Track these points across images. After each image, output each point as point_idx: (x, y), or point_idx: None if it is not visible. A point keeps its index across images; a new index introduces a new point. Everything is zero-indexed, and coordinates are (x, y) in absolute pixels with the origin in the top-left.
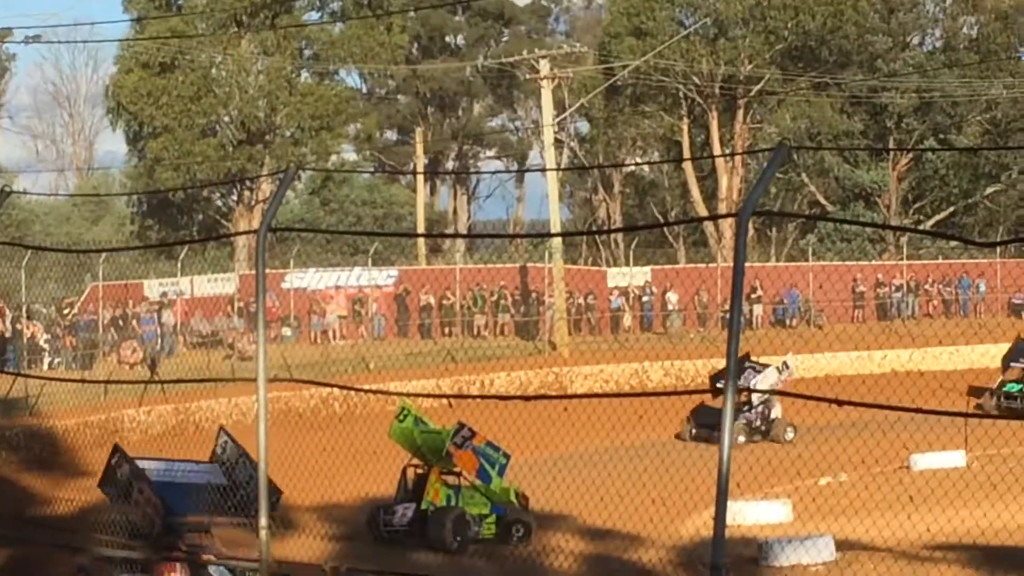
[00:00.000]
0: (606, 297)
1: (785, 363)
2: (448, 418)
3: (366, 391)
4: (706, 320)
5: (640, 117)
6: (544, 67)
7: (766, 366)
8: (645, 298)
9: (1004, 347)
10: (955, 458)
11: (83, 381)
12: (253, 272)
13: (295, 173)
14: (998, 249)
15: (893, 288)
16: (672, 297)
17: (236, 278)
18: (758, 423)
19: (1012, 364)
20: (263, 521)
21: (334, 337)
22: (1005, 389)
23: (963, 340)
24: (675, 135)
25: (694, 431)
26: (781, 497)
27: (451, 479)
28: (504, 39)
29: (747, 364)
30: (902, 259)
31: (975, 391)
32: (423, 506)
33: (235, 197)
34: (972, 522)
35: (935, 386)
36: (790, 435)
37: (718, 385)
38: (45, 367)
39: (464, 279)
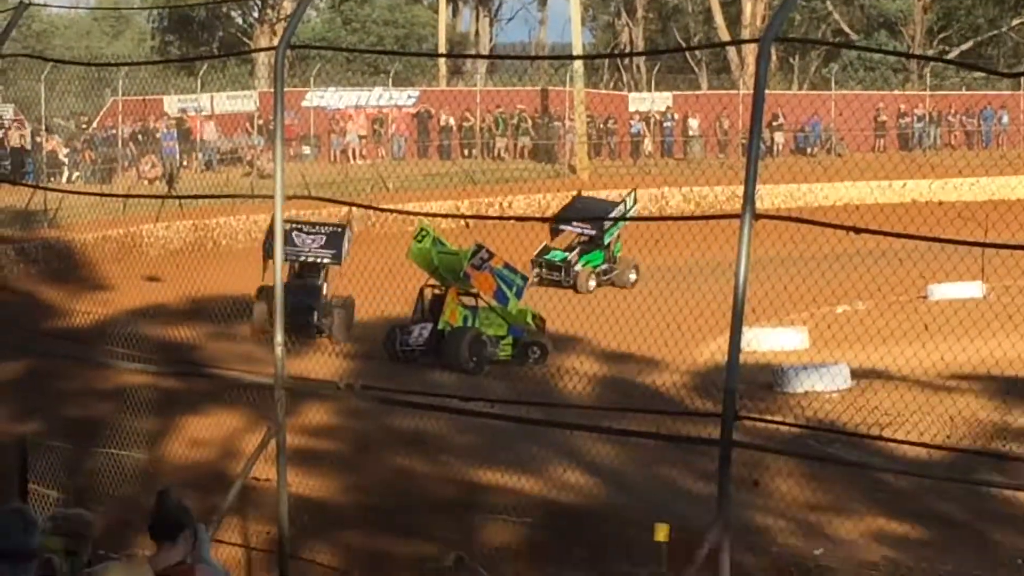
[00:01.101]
0: (626, 122)
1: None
2: (466, 239)
3: (384, 211)
4: (726, 147)
5: None
6: None
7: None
8: (666, 123)
9: None
10: (972, 289)
11: (102, 195)
12: (273, 90)
13: None
14: (1022, 80)
15: (915, 118)
16: (693, 123)
17: (256, 96)
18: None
19: (564, 228)
20: (279, 338)
21: (353, 157)
22: (547, 257)
23: (984, 172)
24: None
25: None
26: (797, 324)
27: (468, 300)
28: None
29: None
30: (925, 89)
31: None
32: (440, 326)
33: (256, 15)
34: (987, 352)
35: (954, 216)
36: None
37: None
38: (64, 180)
39: (484, 101)
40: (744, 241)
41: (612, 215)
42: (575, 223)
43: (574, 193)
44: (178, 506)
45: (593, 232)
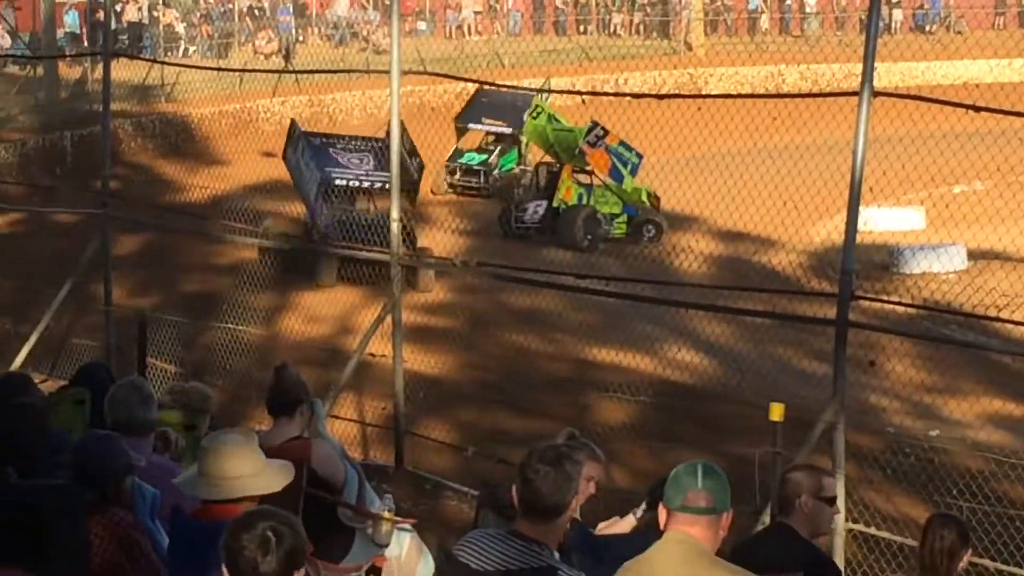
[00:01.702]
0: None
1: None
2: (582, 116)
3: (501, 87)
4: (844, 24)
5: None
6: None
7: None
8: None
9: None
10: None
11: (219, 69)
12: None
13: None
14: None
15: None
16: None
17: None
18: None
19: (471, 127)
20: (395, 214)
21: (469, 32)
22: (462, 161)
23: None
24: None
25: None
26: (914, 204)
27: (583, 178)
28: None
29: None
30: None
31: None
32: (554, 204)
33: None
34: None
35: None
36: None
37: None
38: (181, 55)
39: None
40: (862, 119)
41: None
42: (486, 120)
43: (476, 87)
44: (295, 381)
45: (508, 130)
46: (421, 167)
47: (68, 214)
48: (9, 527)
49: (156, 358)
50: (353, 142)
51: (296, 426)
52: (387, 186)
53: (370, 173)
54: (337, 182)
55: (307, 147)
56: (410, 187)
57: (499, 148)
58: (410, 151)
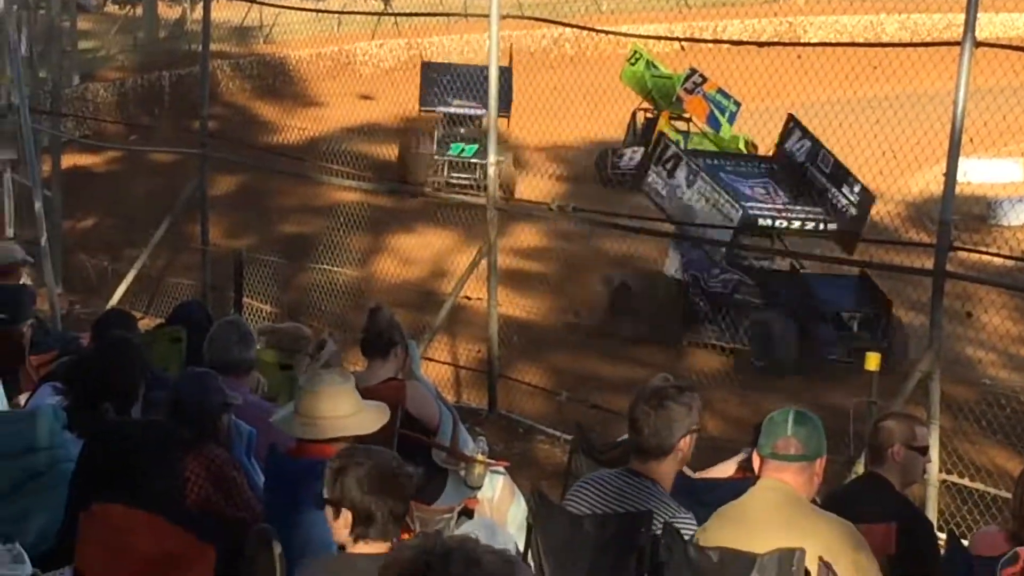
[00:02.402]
0: None
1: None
2: (680, 63)
3: (598, 31)
4: None
5: None
6: None
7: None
8: None
9: None
10: None
11: (317, 11)
12: None
13: None
14: None
15: None
16: None
17: None
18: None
19: (439, 110)
20: (491, 158)
21: None
22: (452, 154)
23: None
24: None
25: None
26: (1014, 156)
27: (681, 124)
28: None
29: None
30: None
31: None
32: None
33: None
34: None
35: None
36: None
37: None
38: None
39: None
40: (963, 70)
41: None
42: (456, 102)
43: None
44: (390, 322)
45: (482, 111)
46: (867, 199)
47: (166, 153)
48: (108, 463)
49: (252, 298)
50: (742, 164)
51: (391, 367)
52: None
53: (792, 208)
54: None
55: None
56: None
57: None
58: (838, 177)
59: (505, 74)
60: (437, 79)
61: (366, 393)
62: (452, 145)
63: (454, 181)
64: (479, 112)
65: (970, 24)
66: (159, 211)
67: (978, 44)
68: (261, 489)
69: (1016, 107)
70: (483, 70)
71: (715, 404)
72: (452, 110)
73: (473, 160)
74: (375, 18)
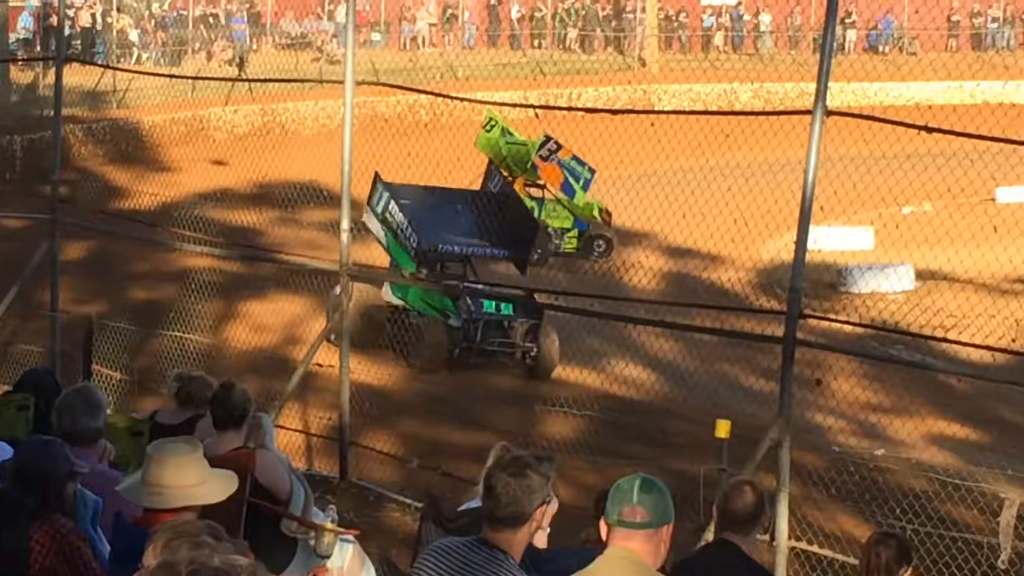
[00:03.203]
0: (698, 15)
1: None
2: (535, 130)
3: (453, 98)
4: (798, 43)
5: None
6: None
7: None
8: (738, 18)
9: None
10: None
11: (171, 76)
12: None
13: None
14: None
15: (989, 18)
16: (765, 19)
17: None
18: None
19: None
20: (344, 224)
21: (423, 44)
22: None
23: None
24: None
25: None
26: (864, 224)
27: (535, 191)
28: None
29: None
30: None
31: None
32: None
33: None
34: None
35: None
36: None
37: None
38: (134, 61)
39: None
40: (815, 138)
41: None
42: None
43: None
44: (243, 396)
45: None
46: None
47: (16, 219)
48: None
49: (102, 365)
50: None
51: (242, 437)
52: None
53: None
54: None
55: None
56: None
57: None
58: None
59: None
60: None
61: (215, 462)
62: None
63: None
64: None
65: (821, 94)
66: (8, 277)
67: (829, 113)
68: (107, 559)
69: (866, 175)
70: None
71: (566, 471)
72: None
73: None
74: (229, 84)
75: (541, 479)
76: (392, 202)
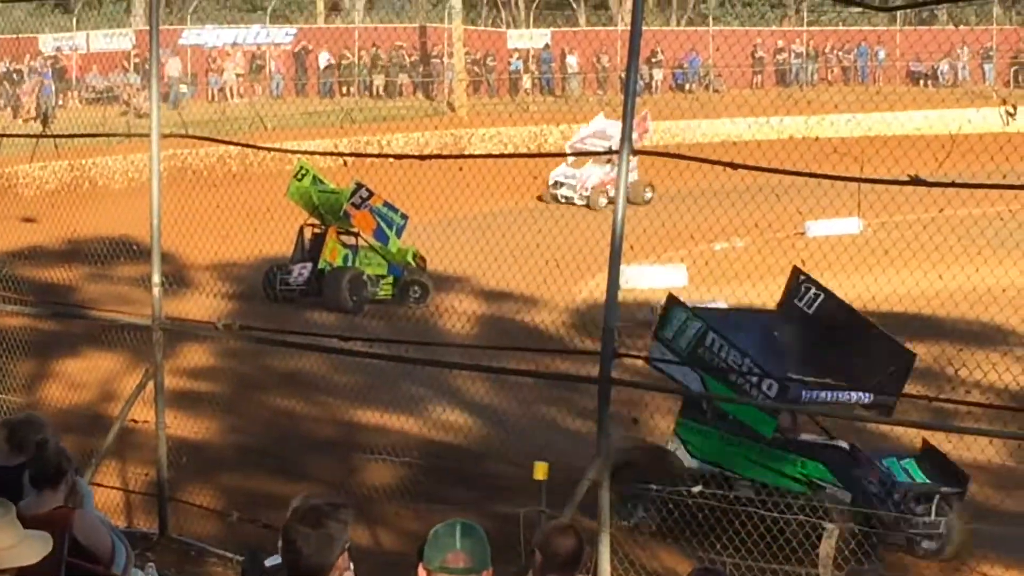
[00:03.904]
0: (505, 59)
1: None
2: (346, 178)
3: (263, 149)
4: (605, 83)
5: None
6: None
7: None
8: (544, 61)
9: (902, 115)
10: (849, 225)
11: None
12: (148, 28)
13: None
14: (898, 16)
15: (792, 54)
16: (572, 60)
17: (132, 34)
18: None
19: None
20: (156, 278)
21: (231, 95)
22: None
23: (860, 107)
24: None
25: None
26: (676, 261)
27: (348, 239)
28: None
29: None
30: (802, 25)
31: None
32: (320, 266)
33: None
34: (863, 288)
35: (831, 152)
36: (648, 195)
37: (576, 146)
38: None
39: (363, 38)
40: (621, 177)
41: None
42: None
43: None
44: (58, 451)
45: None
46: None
47: None
48: None
49: None
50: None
51: (60, 497)
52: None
53: None
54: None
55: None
56: None
57: None
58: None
59: None
60: None
61: (32, 522)
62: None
63: None
64: None
65: (626, 133)
66: None
67: (635, 153)
68: None
69: (675, 213)
70: None
71: (388, 518)
72: None
73: None
74: (34, 140)
75: (339, 525)
76: (712, 334)
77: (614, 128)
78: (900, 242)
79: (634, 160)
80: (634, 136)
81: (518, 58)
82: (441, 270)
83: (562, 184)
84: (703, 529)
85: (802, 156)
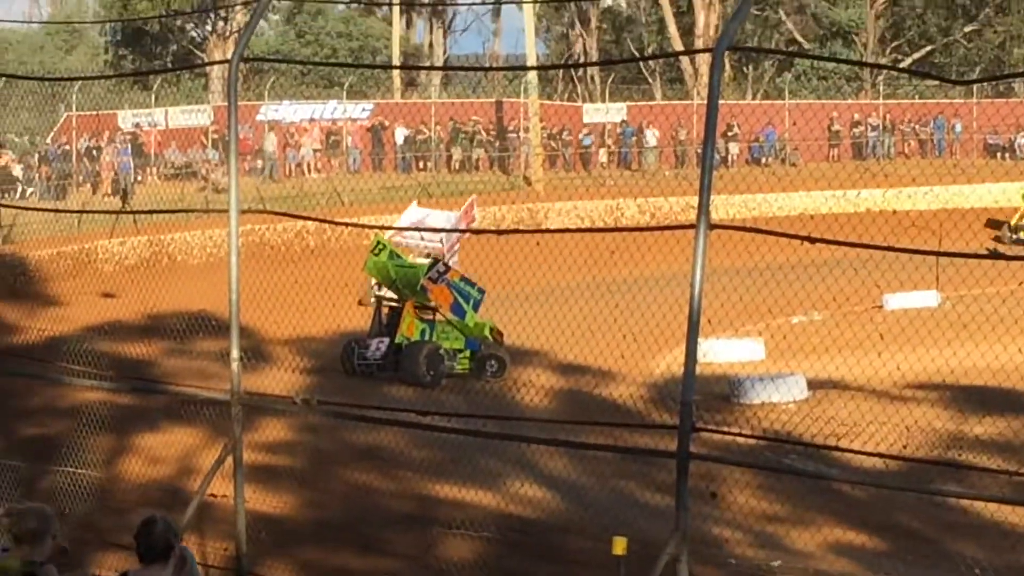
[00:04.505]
0: (581, 133)
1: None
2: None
3: (340, 224)
4: (684, 157)
5: None
6: None
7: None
8: (622, 134)
9: (980, 188)
10: (928, 298)
11: (56, 211)
12: (227, 104)
13: (268, 3)
14: (974, 89)
15: (869, 127)
16: (651, 135)
17: (211, 110)
18: None
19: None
20: (235, 353)
21: (309, 170)
22: None
23: (937, 180)
24: None
25: None
26: (753, 335)
27: (425, 313)
28: None
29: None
30: (878, 98)
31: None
32: (397, 340)
33: (209, 27)
34: (943, 362)
35: (908, 225)
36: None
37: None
38: (18, 197)
39: (439, 113)
40: (699, 252)
41: None
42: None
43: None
44: (166, 527)
45: None
46: None
47: None
48: None
49: None
50: None
51: (169, 571)
52: None
53: None
54: None
55: None
56: None
57: None
58: None
59: None
60: None
61: None
62: None
63: None
64: None
65: (704, 207)
66: None
67: (712, 227)
68: None
69: (752, 287)
70: None
71: None
72: None
73: None
74: (114, 216)
75: None
76: None
77: (434, 218)
78: (979, 315)
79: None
80: (461, 224)
81: (587, 133)
82: (518, 344)
83: None
84: None
85: (880, 230)
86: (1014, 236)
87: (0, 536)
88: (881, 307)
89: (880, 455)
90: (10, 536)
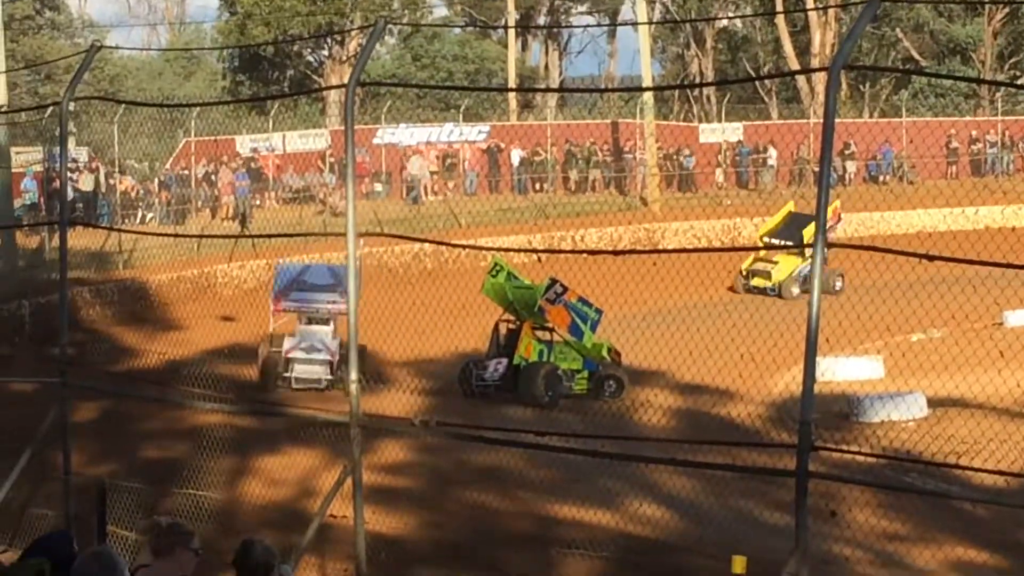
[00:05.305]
0: (697, 153)
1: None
2: (540, 274)
3: (457, 246)
4: (799, 175)
5: None
6: None
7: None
8: (740, 154)
9: None
10: None
11: (175, 236)
12: (344, 128)
13: (384, 28)
14: None
15: (987, 144)
16: (772, 153)
17: (327, 133)
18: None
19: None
20: (353, 375)
21: (425, 193)
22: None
23: None
24: None
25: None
26: (872, 353)
27: (543, 334)
28: None
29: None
30: (997, 115)
31: None
32: (515, 361)
33: (326, 52)
34: None
35: None
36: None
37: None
38: (138, 222)
39: (555, 134)
40: (816, 270)
41: None
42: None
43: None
44: (265, 550)
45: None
46: None
47: (26, 383)
48: None
49: (116, 526)
50: None
51: None
52: None
53: None
54: None
55: None
56: None
57: None
58: None
59: None
60: None
61: None
62: None
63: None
64: None
65: (820, 226)
66: (20, 441)
67: (830, 245)
68: None
69: (871, 305)
70: None
71: None
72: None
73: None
74: (233, 240)
75: None
76: None
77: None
78: None
79: None
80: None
81: (689, 155)
82: (636, 364)
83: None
84: None
85: (999, 247)
86: None
87: (140, 551)
88: (1001, 324)
89: (1001, 472)
90: (148, 550)
